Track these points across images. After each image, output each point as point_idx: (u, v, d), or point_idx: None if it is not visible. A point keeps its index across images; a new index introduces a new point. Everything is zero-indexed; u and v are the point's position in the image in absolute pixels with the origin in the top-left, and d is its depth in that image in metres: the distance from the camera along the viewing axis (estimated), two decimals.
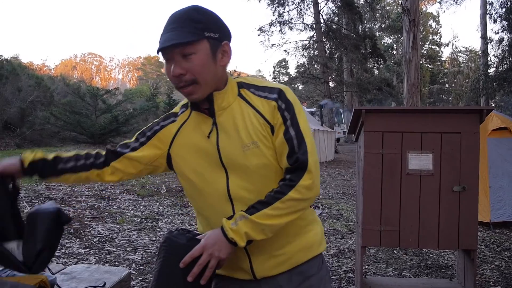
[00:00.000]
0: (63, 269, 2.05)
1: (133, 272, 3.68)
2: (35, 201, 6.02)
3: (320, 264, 1.41)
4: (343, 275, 3.81)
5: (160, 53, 1.23)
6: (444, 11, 28.51)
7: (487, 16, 21.62)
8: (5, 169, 1.35)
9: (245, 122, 1.28)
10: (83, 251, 4.17)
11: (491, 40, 22.13)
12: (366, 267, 4.02)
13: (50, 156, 1.40)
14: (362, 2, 24.21)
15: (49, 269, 1.82)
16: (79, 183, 1.46)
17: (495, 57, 21.98)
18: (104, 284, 1.84)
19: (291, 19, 21.16)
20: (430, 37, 41.77)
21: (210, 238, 1.22)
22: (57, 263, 3.70)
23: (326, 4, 21.29)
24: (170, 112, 1.44)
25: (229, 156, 1.28)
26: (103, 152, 1.43)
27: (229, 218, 1.24)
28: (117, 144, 1.47)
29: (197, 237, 1.26)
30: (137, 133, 1.45)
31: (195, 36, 1.20)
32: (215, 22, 1.26)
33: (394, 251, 4.51)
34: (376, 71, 28.58)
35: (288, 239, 1.33)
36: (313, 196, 1.28)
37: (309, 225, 1.39)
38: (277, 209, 1.22)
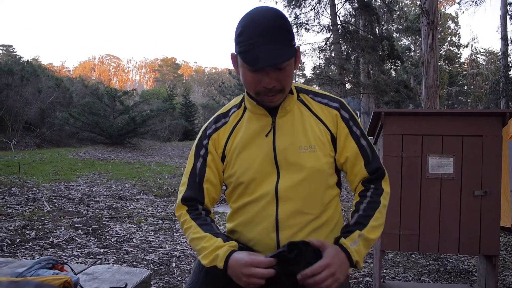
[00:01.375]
0: (85, 269, 2.07)
1: (151, 272, 3.71)
2: (55, 200, 6.12)
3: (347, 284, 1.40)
4: (361, 279, 3.78)
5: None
6: (463, 12, 28.13)
7: (508, 17, 21.21)
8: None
9: (305, 126, 1.28)
10: (101, 250, 4.22)
11: None
12: (384, 271, 3.98)
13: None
14: (379, 3, 23.99)
15: (72, 269, 1.84)
16: None
17: None
18: (126, 285, 1.86)
19: (308, 20, 21.02)
20: (449, 39, 41.13)
21: (335, 258, 1.11)
22: (76, 262, 3.76)
23: (343, 5, 21.15)
24: (219, 113, 1.40)
25: (285, 156, 1.27)
26: (200, 206, 1.35)
27: (345, 235, 1.17)
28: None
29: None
30: (194, 148, 1.38)
31: (292, 50, 1.18)
32: (292, 28, 1.27)
33: (413, 255, 4.46)
34: (393, 73, 28.26)
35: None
36: None
37: None
38: (377, 219, 1.22)
